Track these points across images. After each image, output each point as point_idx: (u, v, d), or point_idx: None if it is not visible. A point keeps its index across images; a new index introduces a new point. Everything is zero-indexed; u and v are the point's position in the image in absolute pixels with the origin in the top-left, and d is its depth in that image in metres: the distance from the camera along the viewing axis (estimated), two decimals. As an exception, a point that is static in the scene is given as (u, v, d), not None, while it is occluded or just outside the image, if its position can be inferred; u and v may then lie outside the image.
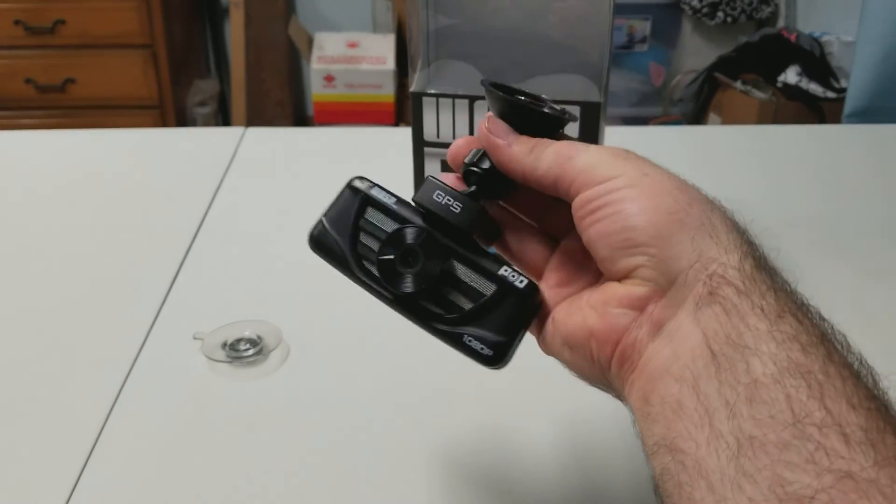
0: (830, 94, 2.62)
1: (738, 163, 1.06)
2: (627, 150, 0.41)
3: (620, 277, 0.38)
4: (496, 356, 0.43)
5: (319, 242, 0.48)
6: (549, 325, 0.43)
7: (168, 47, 2.80)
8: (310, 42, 3.14)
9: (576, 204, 0.40)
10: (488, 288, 0.43)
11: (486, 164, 0.45)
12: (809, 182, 1.00)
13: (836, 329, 0.35)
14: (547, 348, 0.43)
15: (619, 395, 0.39)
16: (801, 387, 0.31)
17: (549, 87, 0.72)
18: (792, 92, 2.64)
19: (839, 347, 0.34)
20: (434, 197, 0.45)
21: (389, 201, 0.46)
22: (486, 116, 0.45)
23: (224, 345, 0.67)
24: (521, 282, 0.43)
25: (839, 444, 0.30)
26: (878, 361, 0.66)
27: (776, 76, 2.70)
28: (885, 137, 1.15)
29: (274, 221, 0.90)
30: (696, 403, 0.33)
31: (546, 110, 0.45)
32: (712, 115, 2.88)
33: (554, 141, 0.42)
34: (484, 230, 0.46)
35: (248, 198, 0.96)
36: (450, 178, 0.47)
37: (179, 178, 1.01)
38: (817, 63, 2.66)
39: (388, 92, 3.10)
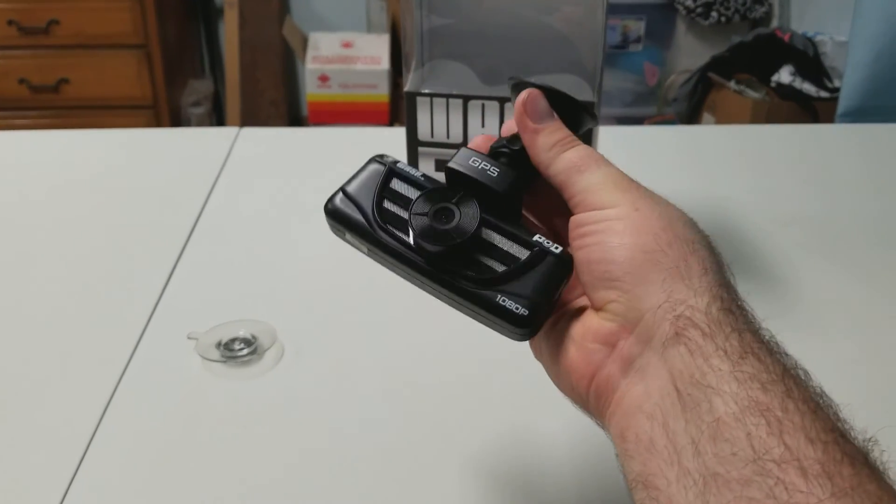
0: (824, 94, 2.62)
1: (732, 162, 1.07)
2: (631, 178, 0.42)
3: (597, 307, 0.40)
4: (530, 316, 0.42)
5: (337, 211, 0.46)
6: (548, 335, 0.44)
7: (162, 47, 2.79)
8: (304, 42, 3.14)
9: (571, 223, 0.42)
10: (522, 253, 0.43)
11: (517, 146, 0.45)
12: (803, 181, 1.01)
13: (798, 364, 0.37)
14: (538, 355, 0.44)
15: (600, 425, 0.41)
16: (760, 424, 0.33)
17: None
18: (785, 92, 2.65)
19: (799, 383, 0.35)
20: (470, 162, 0.44)
21: (416, 174, 0.45)
22: (525, 92, 0.45)
23: (219, 344, 0.67)
24: (557, 248, 0.43)
25: (797, 478, 0.31)
26: (868, 360, 0.67)
27: (770, 76, 2.70)
28: (878, 137, 1.15)
29: (269, 221, 0.90)
30: (666, 441, 0.35)
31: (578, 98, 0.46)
32: (706, 115, 2.89)
33: (576, 143, 0.44)
34: (515, 203, 0.45)
35: (242, 198, 0.96)
36: (479, 140, 0.48)
37: (174, 178, 1.01)
38: (811, 63, 2.67)
39: (382, 92, 3.10)
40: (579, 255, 0.41)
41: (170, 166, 1.04)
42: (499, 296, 0.42)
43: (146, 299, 0.75)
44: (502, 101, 0.72)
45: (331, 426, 0.60)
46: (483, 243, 0.43)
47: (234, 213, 0.92)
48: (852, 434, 0.34)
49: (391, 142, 1.03)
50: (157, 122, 2.89)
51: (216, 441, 0.59)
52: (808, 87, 2.64)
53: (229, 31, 3.05)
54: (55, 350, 0.69)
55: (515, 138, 0.45)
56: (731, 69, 2.79)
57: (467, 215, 0.43)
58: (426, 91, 0.74)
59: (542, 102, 0.45)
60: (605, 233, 0.40)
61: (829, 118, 2.28)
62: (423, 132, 0.75)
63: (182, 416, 0.61)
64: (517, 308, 0.42)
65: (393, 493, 0.54)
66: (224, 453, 0.58)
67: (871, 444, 0.34)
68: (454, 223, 0.43)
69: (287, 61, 3.29)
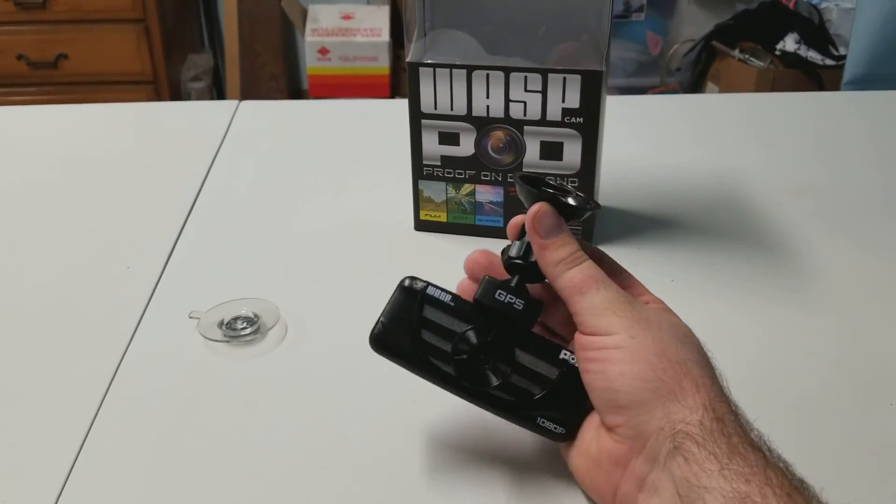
0: (829, 62, 2.60)
1: (737, 131, 1.05)
2: (628, 299, 0.48)
3: (608, 427, 0.47)
4: (568, 433, 0.50)
5: (382, 342, 0.50)
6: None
7: (161, 21, 2.77)
8: (303, 15, 3.11)
9: (576, 342, 0.48)
10: (552, 372, 0.50)
11: (532, 258, 0.50)
12: (808, 150, 0.99)
13: (780, 457, 0.43)
14: (567, 461, 0.51)
15: None
16: None
17: (549, 57, 0.70)
18: (790, 60, 2.62)
19: (778, 472, 0.41)
20: (496, 296, 0.50)
21: (446, 299, 0.51)
22: (536, 206, 0.50)
23: (221, 324, 0.66)
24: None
25: None
26: (880, 329, 0.66)
27: (774, 44, 2.67)
28: (884, 104, 1.14)
29: (270, 196, 0.89)
30: None
31: (571, 201, 0.52)
32: (710, 85, 2.87)
33: (580, 261, 0.49)
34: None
35: (243, 172, 0.94)
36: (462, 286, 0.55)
37: (173, 153, 0.99)
38: (816, 30, 2.64)
39: (383, 64, 3.08)
40: (586, 379, 0.48)
41: (169, 140, 1.03)
42: (538, 418, 0.49)
43: (146, 277, 0.74)
44: (507, 70, 0.70)
45: (335, 404, 0.59)
46: (517, 367, 0.50)
47: (235, 188, 0.91)
48: None
49: (394, 114, 1.02)
50: (157, 97, 2.88)
51: (219, 421, 0.58)
52: (814, 55, 2.62)
53: (228, 4, 3.02)
54: (56, 329, 0.68)
55: (529, 250, 0.51)
56: (736, 38, 2.76)
57: (501, 352, 0.50)
58: (429, 61, 0.72)
59: (550, 218, 0.50)
60: (606, 362, 0.46)
61: (834, 86, 2.26)
62: (426, 104, 0.74)
63: (184, 396, 0.60)
64: (555, 428, 0.50)
65: (398, 471, 0.53)
66: (227, 433, 0.57)
67: None
68: (491, 364, 0.49)
69: (286, 34, 3.27)
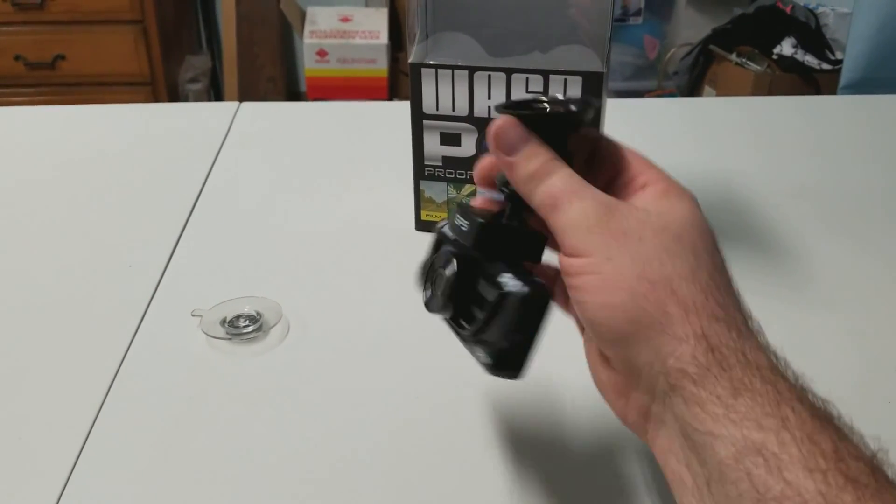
0: (826, 66, 2.61)
1: (734, 135, 1.06)
2: (608, 208, 0.41)
3: (604, 356, 0.43)
4: (496, 364, 0.44)
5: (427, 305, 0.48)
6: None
7: (159, 23, 2.77)
8: (302, 17, 3.11)
9: (559, 266, 0.42)
10: (491, 295, 0.43)
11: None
12: (805, 153, 1.00)
13: (796, 376, 0.38)
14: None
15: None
16: (759, 464, 0.34)
17: (550, 58, 0.71)
18: (787, 64, 2.63)
19: (795, 407, 0.35)
20: (454, 221, 0.46)
21: (450, 234, 0.47)
22: (494, 123, 0.44)
23: (223, 322, 0.66)
24: (521, 287, 0.42)
25: None
26: (877, 331, 0.66)
27: (771, 48, 2.68)
28: (881, 108, 1.15)
29: (271, 196, 0.89)
30: (692, 481, 0.37)
31: (549, 109, 0.45)
32: (707, 88, 2.87)
33: (552, 172, 0.42)
34: (501, 245, 0.45)
35: (244, 173, 0.95)
36: (478, 201, 0.49)
37: (174, 154, 1.00)
38: (813, 35, 2.65)
39: (381, 67, 3.08)
40: (572, 309, 0.44)
41: (171, 141, 1.03)
42: (476, 347, 0.44)
43: (149, 276, 0.74)
44: (509, 72, 0.71)
45: (337, 402, 0.60)
46: (472, 293, 0.45)
47: (236, 189, 0.91)
48: (856, 448, 0.34)
49: (395, 116, 1.02)
50: (155, 99, 2.88)
51: (221, 418, 0.58)
52: (810, 60, 2.62)
53: (226, 5, 3.02)
54: (59, 328, 0.68)
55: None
56: (733, 42, 2.77)
57: (441, 280, 0.45)
58: (431, 62, 0.73)
59: (514, 130, 0.44)
60: (584, 290, 0.40)
61: (830, 90, 2.26)
62: (427, 105, 0.74)
63: (186, 394, 0.61)
64: (483, 357, 0.44)
65: (402, 468, 0.54)
66: (229, 430, 0.57)
67: (879, 452, 0.35)
68: (437, 290, 0.45)
69: (285, 36, 3.27)
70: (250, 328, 0.66)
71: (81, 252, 0.79)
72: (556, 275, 0.45)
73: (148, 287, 0.73)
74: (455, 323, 0.46)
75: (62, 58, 2.79)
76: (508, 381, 0.45)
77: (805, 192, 0.89)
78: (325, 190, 0.91)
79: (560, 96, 0.48)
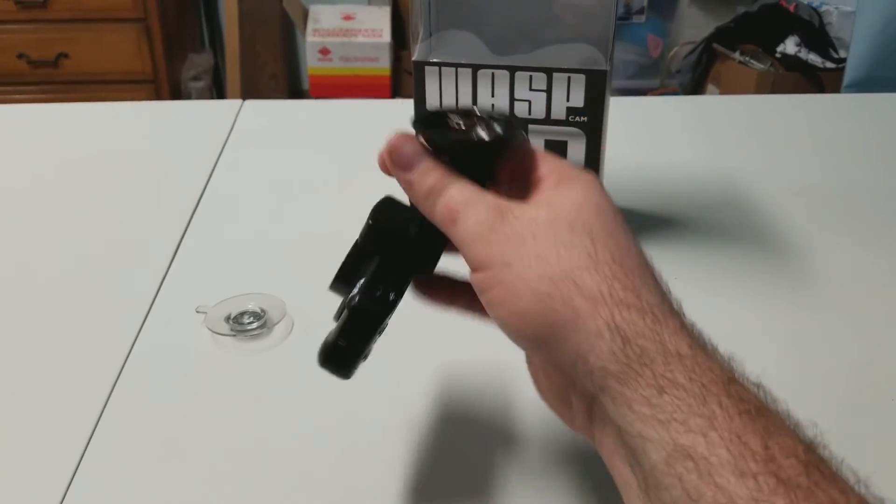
0: (829, 65, 2.61)
1: (738, 133, 1.06)
2: (501, 213, 0.39)
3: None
4: (319, 354, 0.44)
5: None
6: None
7: (161, 21, 2.78)
8: (305, 15, 3.11)
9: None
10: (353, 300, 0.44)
11: None
12: (808, 151, 1.00)
13: (722, 367, 0.36)
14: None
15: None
16: (690, 468, 0.33)
17: (553, 57, 0.71)
18: (791, 62, 2.63)
19: (722, 401, 0.34)
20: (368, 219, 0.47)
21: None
22: (388, 140, 0.43)
23: (227, 318, 0.67)
24: (355, 298, 0.44)
25: None
26: (878, 329, 0.66)
27: (775, 47, 2.68)
28: (884, 107, 1.15)
29: (275, 194, 0.89)
30: (635, 483, 0.36)
31: (465, 125, 0.44)
32: (710, 87, 2.87)
33: (446, 187, 0.41)
34: (383, 244, 0.46)
35: (248, 170, 0.95)
36: None
37: (177, 152, 1.00)
38: (816, 33, 2.65)
39: (384, 65, 3.09)
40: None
41: (174, 138, 1.04)
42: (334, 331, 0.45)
43: (153, 273, 0.74)
44: (512, 70, 0.71)
45: (341, 399, 0.60)
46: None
47: (240, 186, 0.91)
48: (789, 442, 0.33)
49: (397, 114, 1.02)
50: (157, 97, 2.88)
51: (225, 415, 0.58)
52: (814, 58, 2.62)
53: (229, 3, 3.02)
54: (63, 324, 0.68)
55: None
56: (736, 40, 2.77)
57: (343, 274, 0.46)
58: (434, 60, 0.73)
59: (409, 146, 0.43)
60: (493, 305, 0.39)
61: (834, 89, 2.26)
62: (431, 103, 0.74)
63: (191, 391, 0.61)
64: (321, 345, 0.44)
65: (406, 464, 0.54)
66: (233, 427, 0.57)
67: (815, 439, 0.35)
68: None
69: (287, 34, 3.27)
70: (254, 325, 0.66)
71: (85, 249, 0.79)
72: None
73: (152, 284, 0.73)
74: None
75: (65, 56, 2.80)
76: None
77: (808, 190, 0.89)
78: (328, 187, 0.91)
79: (477, 109, 0.46)
